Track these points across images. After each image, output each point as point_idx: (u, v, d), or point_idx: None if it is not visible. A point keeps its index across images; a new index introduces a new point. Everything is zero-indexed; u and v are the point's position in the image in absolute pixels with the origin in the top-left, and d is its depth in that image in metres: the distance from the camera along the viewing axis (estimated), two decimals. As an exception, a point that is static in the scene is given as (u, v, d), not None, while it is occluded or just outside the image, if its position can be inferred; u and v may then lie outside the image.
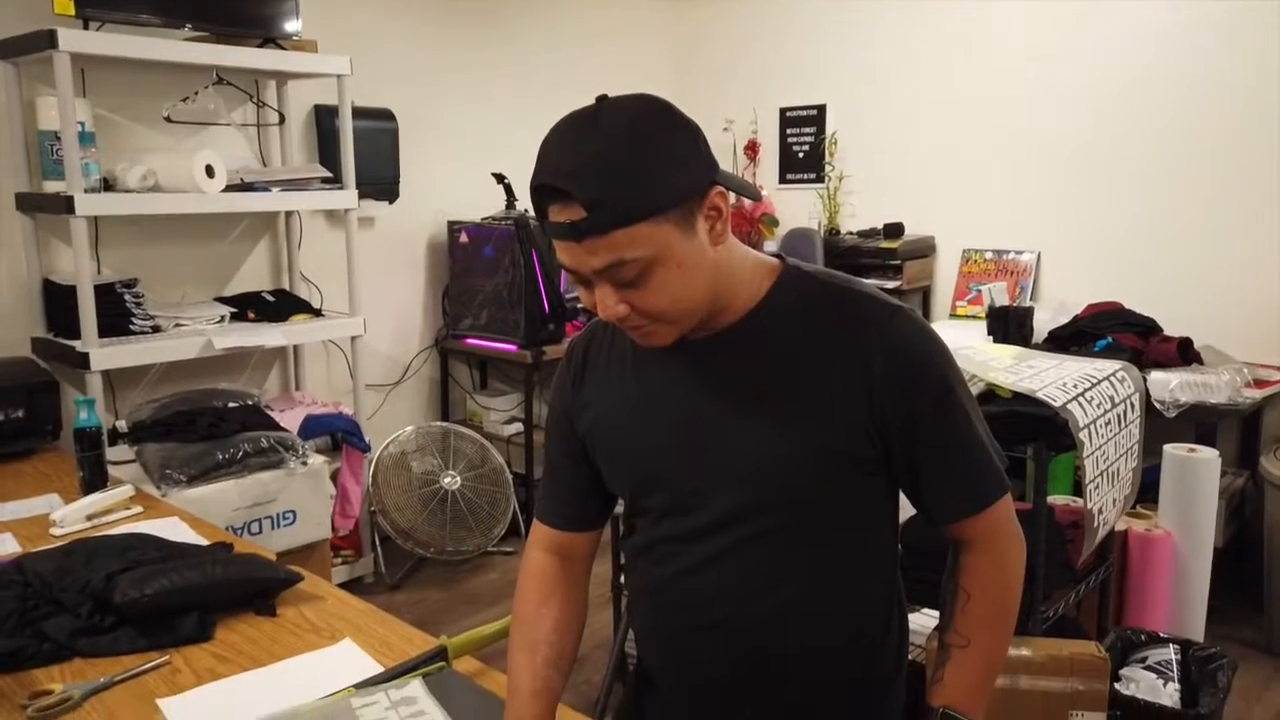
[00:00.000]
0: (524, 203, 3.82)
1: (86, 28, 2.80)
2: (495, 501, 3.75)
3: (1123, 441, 2.24)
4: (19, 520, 2.10)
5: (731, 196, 1.03)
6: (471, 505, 3.68)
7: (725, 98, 4.82)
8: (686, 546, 1.13)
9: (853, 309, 1.07)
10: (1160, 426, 2.97)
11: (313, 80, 3.49)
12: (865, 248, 4.18)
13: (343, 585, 2.16)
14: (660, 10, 4.96)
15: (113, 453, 2.63)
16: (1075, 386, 2.12)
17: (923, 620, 2.01)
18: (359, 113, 3.47)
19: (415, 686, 1.29)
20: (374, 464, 3.51)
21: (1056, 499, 2.54)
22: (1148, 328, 3.43)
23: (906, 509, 1.16)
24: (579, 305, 3.79)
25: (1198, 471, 2.67)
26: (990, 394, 2.11)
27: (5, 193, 2.92)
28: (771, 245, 4.42)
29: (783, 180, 4.77)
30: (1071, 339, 3.42)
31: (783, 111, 4.72)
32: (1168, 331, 3.42)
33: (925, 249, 4.23)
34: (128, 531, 1.91)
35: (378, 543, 3.57)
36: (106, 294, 2.86)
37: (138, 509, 2.15)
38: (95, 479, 2.23)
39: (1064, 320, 3.55)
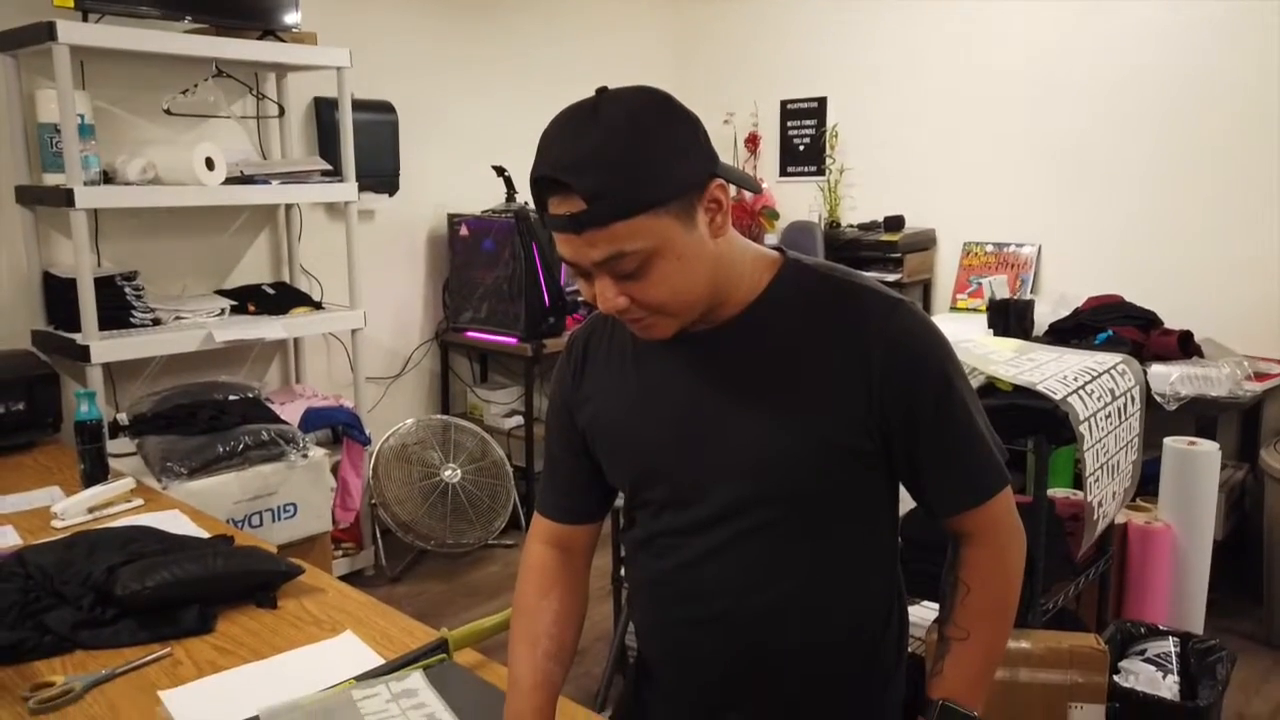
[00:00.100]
0: (524, 195, 3.81)
1: (86, 20, 2.79)
2: (496, 495, 3.76)
3: (1123, 434, 2.24)
4: (20, 513, 2.10)
5: (732, 189, 1.03)
6: (472, 498, 3.68)
7: (726, 90, 4.80)
8: (687, 539, 1.13)
9: (853, 302, 1.07)
10: (1160, 419, 2.97)
11: (312, 73, 3.48)
12: (866, 240, 4.18)
13: (343, 578, 2.17)
14: (660, 3, 4.95)
15: (113, 445, 2.63)
16: (1076, 379, 2.12)
17: (922, 613, 2.01)
18: (359, 105, 3.46)
19: (416, 679, 1.29)
20: (374, 457, 3.51)
21: (1057, 492, 2.54)
22: (1148, 321, 3.43)
23: (906, 502, 1.16)
24: (579, 298, 3.79)
25: (1198, 464, 2.67)
26: (990, 387, 2.11)
27: (5, 185, 2.92)
28: (772, 238, 4.42)
29: (783, 173, 4.76)
30: (1072, 332, 3.42)
31: (783, 104, 4.71)
32: (1168, 325, 3.42)
33: (926, 242, 4.23)
34: (129, 524, 1.91)
35: (378, 535, 3.57)
36: (107, 287, 2.86)
37: (138, 502, 2.15)
38: (96, 472, 2.23)
39: (1065, 313, 3.55)
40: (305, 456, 2.83)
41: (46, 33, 2.58)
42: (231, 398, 2.91)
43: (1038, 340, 3.24)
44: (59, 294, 2.91)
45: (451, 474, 3.67)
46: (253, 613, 1.57)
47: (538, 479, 1.33)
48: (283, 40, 3.20)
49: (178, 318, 3.05)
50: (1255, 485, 3.23)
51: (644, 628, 1.25)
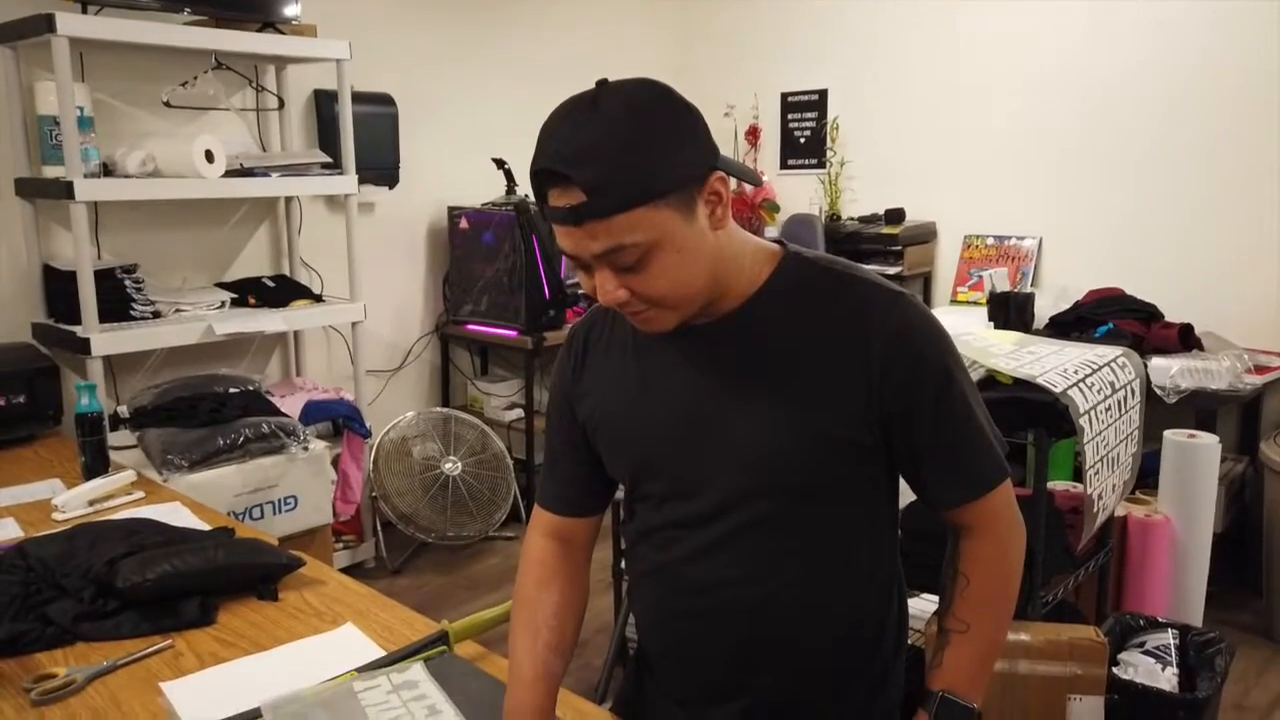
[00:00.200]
0: (524, 188, 3.81)
1: (85, 12, 2.78)
2: (496, 487, 3.76)
3: (1123, 427, 2.24)
4: (21, 505, 2.10)
5: (732, 182, 1.03)
6: (472, 491, 3.68)
7: (726, 83, 4.80)
8: (687, 532, 1.13)
9: (853, 295, 1.07)
10: (1161, 412, 2.97)
11: (312, 65, 3.47)
12: (866, 233, 4.18)
13: (344, 570, 2.17)
14: (661, -6, 4.94)
15: (114, 438, 2.63)
16: (1076, 372, 2.12)
17: (922, 605, 2.01)
18: (359, 98, 3.45)
19: (417, 670, 1.29)
20: (375, 449, 3.51)
21: (1056, 484, 2.54)
22: (1149, 314, 3.43)
23: (906, 494, 1.16)
24: (579, 291, 3.79)
25: (1198, 457, 2.68)
26: (991, 380, 2.11)
27: (4, 178, 2.91)
28: (772, 231, 4.42)
29: (784, 165, 4.76)
30: (1072, 325, 3.42)
31: (784, 96, 4.71)
32: (1169, 318, 3.42)
33: (926, 234, 4.22)
34: (130, 516, 1.92)
35: (379, 528, 3.58)
36: (107, 279, 2.86)
37: (139, 494, 2.15)
38: (97, 464, 2.23)
39: (1065, 306, 3.55)
40: (306, 449, 2.84)
41: (46, 25, 2.57)
42: (232, 390, 2.91)
43: (1038, 333, 3.24)
44: (59, 287, 2.91)
45: (452, 467, 3.67)
46: (254, 605, 1.57)
47: (538, 471, 1.34)
48: (282, 32, 3.19)
49: (178, 310, 3.06)
50: (1255, 478, 3.24)
51: (644, 620, 1.25)
